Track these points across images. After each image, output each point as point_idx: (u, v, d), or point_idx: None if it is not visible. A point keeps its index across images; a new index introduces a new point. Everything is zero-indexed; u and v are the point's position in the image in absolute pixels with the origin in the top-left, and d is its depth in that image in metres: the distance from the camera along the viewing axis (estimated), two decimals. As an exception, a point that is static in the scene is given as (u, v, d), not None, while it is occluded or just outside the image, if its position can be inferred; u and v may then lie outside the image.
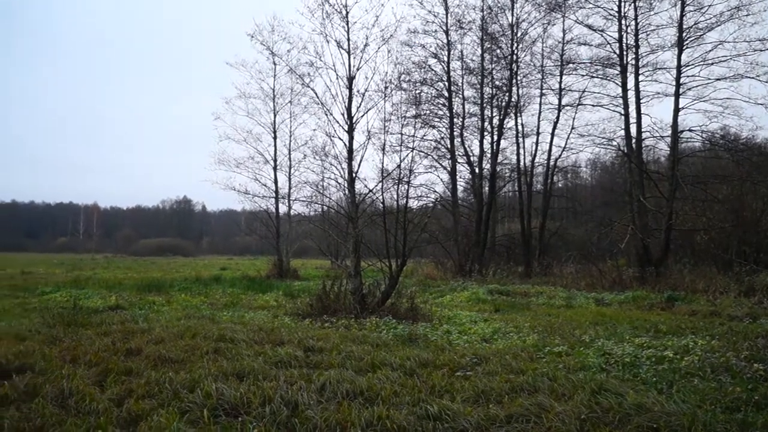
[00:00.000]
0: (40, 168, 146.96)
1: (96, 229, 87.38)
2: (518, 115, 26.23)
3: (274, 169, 25.44)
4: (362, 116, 12.17)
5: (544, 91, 26.01)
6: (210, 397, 5.03)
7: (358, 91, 12.20)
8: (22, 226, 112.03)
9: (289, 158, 25.75)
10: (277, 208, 25.66)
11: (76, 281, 19.79)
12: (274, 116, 25.55)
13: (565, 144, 25.73)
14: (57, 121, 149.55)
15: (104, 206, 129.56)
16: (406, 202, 11.85)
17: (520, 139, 26.51)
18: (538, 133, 26.39)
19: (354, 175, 11.91)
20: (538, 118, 26.22)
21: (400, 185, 11.94)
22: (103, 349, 7.09)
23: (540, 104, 26.21)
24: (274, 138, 25.53)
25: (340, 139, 12.15)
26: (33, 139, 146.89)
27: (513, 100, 25.68)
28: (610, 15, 21.29)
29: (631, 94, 20.80)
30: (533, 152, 26.87)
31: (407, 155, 12.61)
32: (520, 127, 26.50)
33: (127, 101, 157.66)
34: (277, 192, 25.50)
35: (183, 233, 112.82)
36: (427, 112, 26.10)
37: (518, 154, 26.68)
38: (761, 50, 18.21)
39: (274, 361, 6.53)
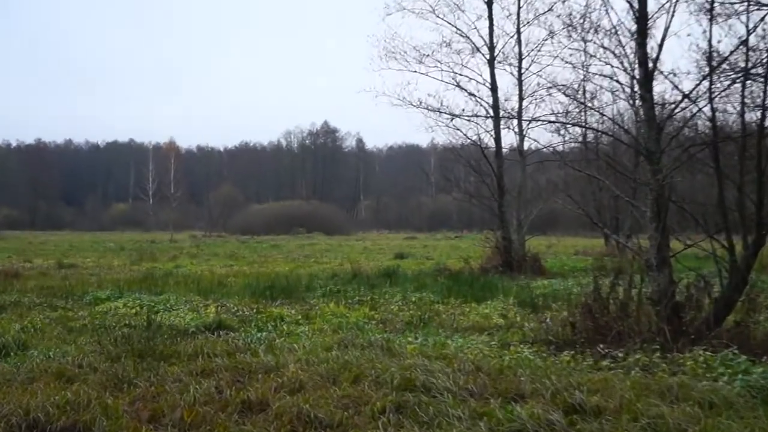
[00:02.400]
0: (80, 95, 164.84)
1: (175, 185, 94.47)
2: None
3: (490, 62, 25.64)
4: (665, -56, 11.68)
5: None
6: (394, 495, 5.23)
7: None
8: (56, 184, 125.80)
9: (518, 41, 25.81)
10: (498, 139, 25.90)
11: (148, 280, 21.82)
12: (486, -41, 25.60)
13: None
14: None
15: (187, 146, 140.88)
16: (764, 117, 11.23)
17: None
18: None
19: (651, 66, 11.52)
20: None
21: (750, 82, 11.33)
22: (204, 400, 7.72)
23: None
24: (489, 2, 25.62)
25: (619, -5, 11.82)
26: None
27: None
28: None
29: None
30: None
31: (760, 21, 11.89)
32: None
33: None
34: (497, 107, 25.71)
35: (325, 189, 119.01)
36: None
37: None
38: None
39: (509, 430, 6.61)
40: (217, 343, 10.94)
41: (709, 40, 11.44)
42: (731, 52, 11.53)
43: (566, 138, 22.97)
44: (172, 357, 9.97)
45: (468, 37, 26.14)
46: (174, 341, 11.09)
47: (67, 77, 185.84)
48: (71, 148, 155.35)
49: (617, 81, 12.52)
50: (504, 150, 26.14)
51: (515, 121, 25.87)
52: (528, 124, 25.70)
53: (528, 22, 25.58)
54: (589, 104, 19.17)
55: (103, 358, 9.96)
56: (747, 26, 11.35)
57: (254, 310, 15.01)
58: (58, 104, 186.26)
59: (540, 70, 28.38)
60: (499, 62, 25.83)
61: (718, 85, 11.55)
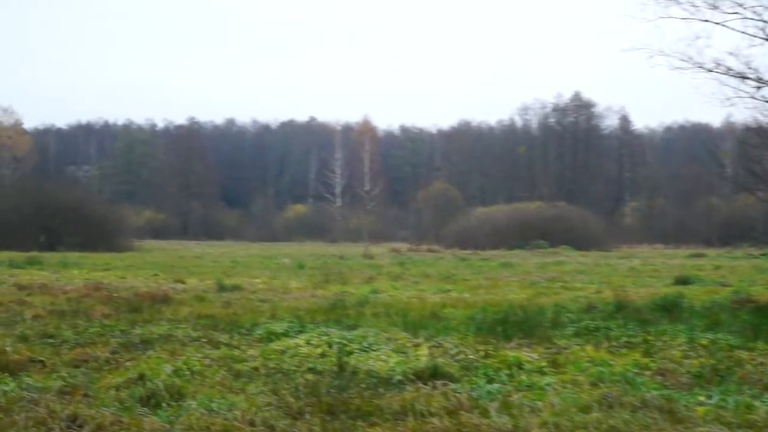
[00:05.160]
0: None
1: (371, 180, 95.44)
2: None
3: None
4: None
5: None
6: None
7: None
8: (214, 178, 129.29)
9: None
10: None
11: (337, 309, 22.17)
12: None
13: None
14: None
15: (386, 127, 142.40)
16: None
17: None
18: None
19: None
20: None
21: None
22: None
23: None
24: None
25: None
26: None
27: None
28: None
29: None
30: None
31: None
32: None
33: None
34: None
35: (575, 186, 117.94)
36: None
37: None
38: None
39: None
40: (433, 397, 11.00)
41: None
42: None
43: None
44: (373, 414, 10.11)
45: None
46: (374, 393, 11.25)
47: (229, 41, 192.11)
48: (233, 131, 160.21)
49: None
50: None
51: None
52: None
53: None
54: None
55: (282, 413, 10.19)
56: None
57: (481, 353, 14.92)
58: (217, 73, 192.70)
59: None
60: None
61: None
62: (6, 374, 12.59)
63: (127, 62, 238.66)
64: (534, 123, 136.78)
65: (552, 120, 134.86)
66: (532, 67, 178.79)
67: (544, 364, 14.02)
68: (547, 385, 12.27)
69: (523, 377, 12.88)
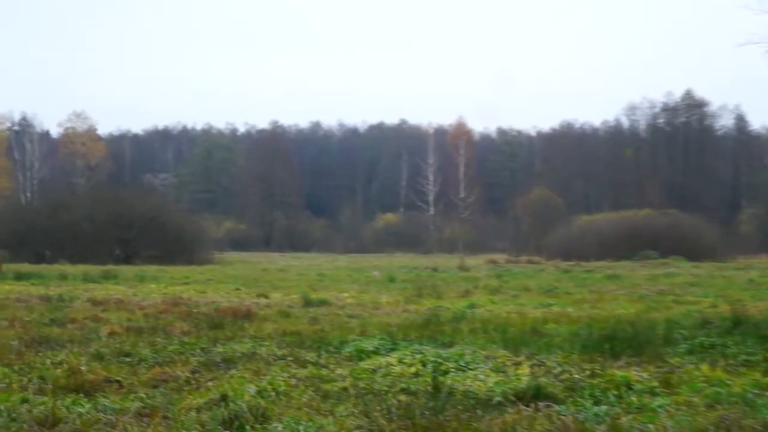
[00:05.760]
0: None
1: (466, 187, 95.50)
2: None
3: None
4: None
5: None
6: None
7: None
8: (298, 186, 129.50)
9: None
10: None
11: (431, 325, 22.03)
12: None
13: None
14: None
15: (482, 129, 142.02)
16: None
17: None
18: None
19: None
20: None
21: None
22: None
23: None
24: None
25: None
26: None
27: None
28: None
29: None
30: None
31: None
32: None
33: None
34: None
35: (687, 192, 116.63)
36: None
37: None
38: None
39: None
40: (536, 419, 10.89)
41: None
42: None
43: None
44: (469, 440, 10.03)
45: None
46: (472, 415, 11.16)
47: (313, 42, 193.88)
48: (319, 135, 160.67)
49: None
50: None
51: None
52: None
53: None
54: None
55: (376, 437, 10.17)
56: None
57: (587, 372, 14.73)
58: (301, 75, 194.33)
59: None
60: None
61: None
62: (81, 395, 12.71)
63: (206, 64, 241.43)
64: (642, 124, 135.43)
65: (661, 120, 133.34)
66: (640, 64, 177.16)
67: (655, 384, 13.78)
68: (659, 406, 12.08)
69: (633, 398, 12.66)
